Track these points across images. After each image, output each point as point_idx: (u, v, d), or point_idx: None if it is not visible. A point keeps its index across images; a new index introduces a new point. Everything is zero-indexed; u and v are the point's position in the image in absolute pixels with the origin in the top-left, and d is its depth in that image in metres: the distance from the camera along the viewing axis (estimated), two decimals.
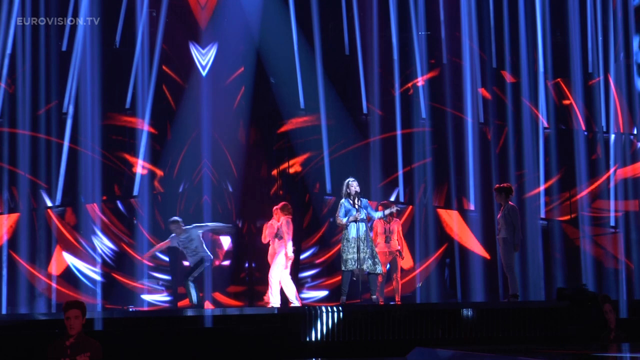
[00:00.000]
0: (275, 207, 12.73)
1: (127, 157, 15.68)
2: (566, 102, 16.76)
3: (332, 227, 15.41)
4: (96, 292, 14.75)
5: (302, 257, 16.16)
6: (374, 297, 11.54)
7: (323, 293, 15.92)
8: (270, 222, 12.76)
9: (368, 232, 11.60)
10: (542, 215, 16.17)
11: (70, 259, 15.09)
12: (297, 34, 16.03)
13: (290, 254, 12.34)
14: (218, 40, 16.04)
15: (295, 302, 12.38)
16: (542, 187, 16.17)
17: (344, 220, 11.54)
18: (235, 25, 16.05)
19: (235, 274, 16.25)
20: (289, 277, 12.50)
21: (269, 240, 12.72)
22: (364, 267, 11.40)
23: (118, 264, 15.37)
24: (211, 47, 16.00)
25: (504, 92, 16.48)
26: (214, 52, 15.98)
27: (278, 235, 12.48)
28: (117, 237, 15.51)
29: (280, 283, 12.47)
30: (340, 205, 11.67)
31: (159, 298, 15.44)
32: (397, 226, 12.88)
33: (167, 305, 15.26)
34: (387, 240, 12.73)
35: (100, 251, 15.15)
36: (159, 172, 15.76)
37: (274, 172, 16.62)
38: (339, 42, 16.43)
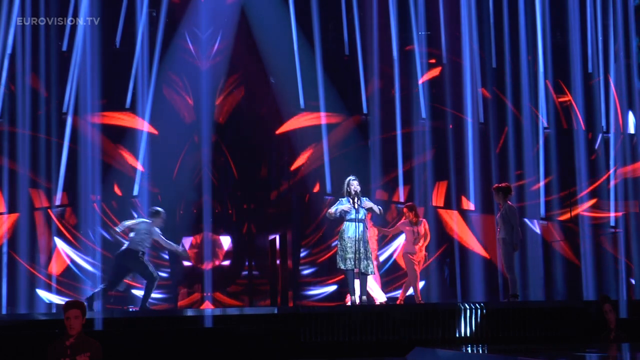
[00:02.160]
0: None
1: (127, 157, 15.68)
2: (564, 98, 16.75)
3: (332, 226, 15.41)
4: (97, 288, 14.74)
5: (302, 255, 16.19)
6: (364, 297, 11.54)
7: (332, 288, 15.95)
8: None
9: (365, 232, 11.58)
10: (542, 215, 16.17)
11: (63, 247, 15.08)
12: (297, 34, 16.03)
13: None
14: (218, 40, 16.05)
15: (379, 300, 12.36)
16: (542, 187, 16.17)
17: (333, 210, 11.50)
18: (235, 24, 16.06)
19: (236, 274, 16.26)
20: (372, 277, 12.48)
21: None
22: (361, 267, 11.41)
23: None
24: (210, 44, 16.00)
25: (504, 92, 16.48)
26: (214, 49, 15.99)
27: None
28: (117, 238, 15.51)
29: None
30: (339, 201, 11.63)
31: (155, 296, 15.43)
32: (423, 227, 12.85)
33: (165, 304, 15.28)
34: (415, 242, 12.75)
35: (100, 249, 15.15)
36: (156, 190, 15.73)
37: (274, 171, 16.63)
38: (339, 42, 16.43)
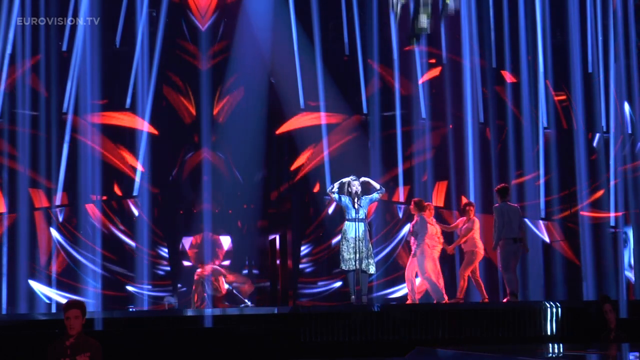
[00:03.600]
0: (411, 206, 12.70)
1: (127, 157, 15.68)
2: (564, 98, 16.75)
3: (332, 226, 15.42)
4: (98, 293, 14.76)
5: (302, 255, 16.20)
6: (364, 297, 11.56)
7: (338, 284, 15.97)
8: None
9: (366, 231, 11.61)
10: (542, 215, 16.17)
11: (63, 246, 15.09)
12: (297, 33, 16.02)
13: (420, 252, 12.27)
14: (217, 40, 16.07)
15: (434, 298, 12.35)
16: (542, 187, 16.16)
17: (335, 188, 11.66)
18: (235, 24, 16.06)
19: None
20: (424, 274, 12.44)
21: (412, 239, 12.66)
22: (362, 266, 11.44)
23: (119, 265, 15.40)
24: (210, 44, 16.01)
25: (504, 92, 16.48)
26: (213, 49, 16.00)
27: (414, 233, 12.39)
28: (117, 237, 15.52)
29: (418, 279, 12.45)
30: (343, 196, 11.69)
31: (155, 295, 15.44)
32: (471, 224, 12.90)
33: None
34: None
35: (100, 249, 15.16)
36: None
37: (274, 171, 16.62)
38: (339, 42, 16.43)
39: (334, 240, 15.56)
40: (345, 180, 11.65)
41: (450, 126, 16.32)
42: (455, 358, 8.34)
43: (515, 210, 12.25)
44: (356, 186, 11.66)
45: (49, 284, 14.88)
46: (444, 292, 12.36)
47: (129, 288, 15.18)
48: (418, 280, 12.40)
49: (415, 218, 12.40)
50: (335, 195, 11.67)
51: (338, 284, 15.93)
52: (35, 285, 14.83)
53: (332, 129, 16.17)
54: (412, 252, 12.29)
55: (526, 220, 15.97)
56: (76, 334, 7.09)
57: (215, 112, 15.99)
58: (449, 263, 15.48)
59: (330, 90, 16.14)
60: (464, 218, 12.79)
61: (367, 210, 11.73)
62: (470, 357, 7.95)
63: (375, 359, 10.30)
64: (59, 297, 14.69)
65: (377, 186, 11.84)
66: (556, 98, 16.80)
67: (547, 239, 16.17)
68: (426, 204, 12.64)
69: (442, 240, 12.80)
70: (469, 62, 16.12)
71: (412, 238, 12.36)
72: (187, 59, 16.08)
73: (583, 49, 16.43)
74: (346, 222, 11.74)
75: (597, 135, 16.57)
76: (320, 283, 16.14)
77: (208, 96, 15.68)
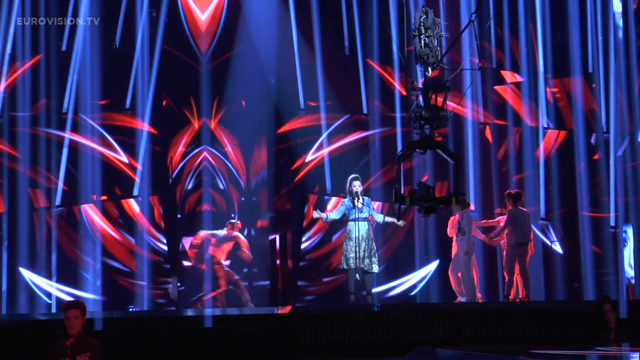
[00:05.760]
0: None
1: (127, 157, 15.68)
2: (563, 98, 16.75)
3: (333, 226, 15.41)
4: (98, 290, 14.76)
5: (301, 255, 16.21)
6: (368, 297, 11.59)
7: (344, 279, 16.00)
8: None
9: (370, 230, 11.65)
10: (542, 215, 16.18)
11: (62, 246, 15.11)
12: (297, 33, 16.02)
13: (467, 249, 12.24)
14: (217, 39, 16.07)
15: (470, 298, 12.31)
16: (542, 187, 16.16)
17: (331, 214, 11.81)
18: (235, 24, 16.07)
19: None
20: (469, 272, 12.42)
21: (453, 236, 12.59)
22: (363, 265, 11.47)
23: (119, 265, 15.40)
24: (210, 45, 16.01)
25: (504, 91, 16.48)
26: (212, 49, 16.00)
27: (461, 230, 12.36)
28: (117, 238, 15.52)
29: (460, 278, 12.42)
30: (342, 203, 11.79)
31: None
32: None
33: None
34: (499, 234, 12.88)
35: (99, 249, 15.17)
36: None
37: (274, 171, 16.62)
38: (339, 42, 16.42)
39: (334, 239, 15.58)
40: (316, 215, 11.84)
41: (450, 126, 16.31)
42: (455, 358, 8.35)
43: (526, 215, 12.46)
44: (356, 186, 11.69)
45: (50, 284, 14.87)
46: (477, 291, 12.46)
47: (128, 284, 15.18)
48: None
49: (458, 215, 12.43)
50: (345, 213, 11.82)
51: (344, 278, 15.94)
52: (30, 275, 14.76)
53: (332, 129, 16.17)
54: (463, 250, 12.32)
55: None
56: (76, 334, 7.10)
57: (215, 112, 15.98)
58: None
59: (330, 90, 16.13)
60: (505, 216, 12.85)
61: (370, 210, 11.79)
62: (470, 357, 7.95)
63: (375, 359, 10.30)
64: (59, 292, 14.68)
65: (379, 219, 11.97)
66: (559, 99, 16.79)
67: (547, 240, 16.17)
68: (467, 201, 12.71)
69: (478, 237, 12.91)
70: (469, 62, 16.11)
71: (458, 235, 12.39)
72: (186, 59, 16.07)
73: (583, 49, 16.43)
74: (349, 222, 11.78)
75: (594, 135, 16.56)
76: (325, 280, 16.13)
77: (208, 96, 15.68)
